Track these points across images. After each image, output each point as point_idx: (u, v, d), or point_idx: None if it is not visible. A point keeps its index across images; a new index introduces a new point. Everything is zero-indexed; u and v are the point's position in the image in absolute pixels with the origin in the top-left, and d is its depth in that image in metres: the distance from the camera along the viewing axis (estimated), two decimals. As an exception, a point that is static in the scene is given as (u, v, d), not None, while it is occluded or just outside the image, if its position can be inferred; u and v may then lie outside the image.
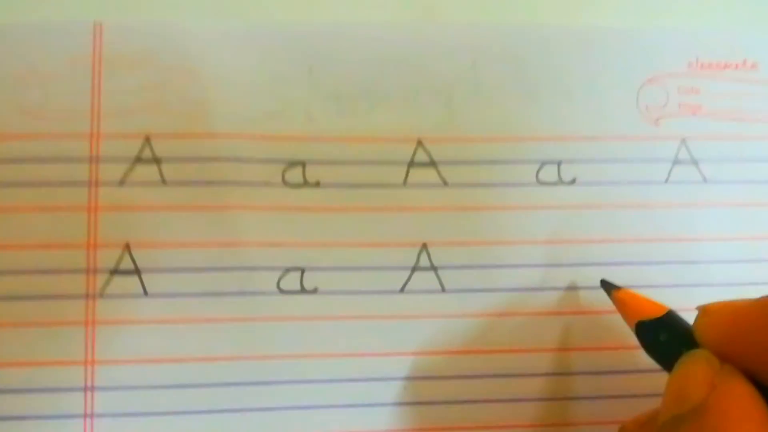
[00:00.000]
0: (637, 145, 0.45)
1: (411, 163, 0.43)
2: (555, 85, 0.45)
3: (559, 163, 0.44)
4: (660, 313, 0.38)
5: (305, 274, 0.43)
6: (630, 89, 0.45)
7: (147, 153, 0.42)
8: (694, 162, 0.45)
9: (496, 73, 0.45)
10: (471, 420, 0.43)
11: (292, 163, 0.43)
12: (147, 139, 0.42)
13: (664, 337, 0.37)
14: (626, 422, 0.40)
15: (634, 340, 0.39)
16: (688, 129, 0.45)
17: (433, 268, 0.43)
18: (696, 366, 0.32)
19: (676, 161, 0.45)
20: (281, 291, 0.42)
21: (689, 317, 0.36)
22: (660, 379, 0.35)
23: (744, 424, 0.29)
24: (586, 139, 0.44)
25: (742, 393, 0.30)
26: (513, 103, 0.45)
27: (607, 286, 0.42)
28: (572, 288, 0.43)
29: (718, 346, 0.33)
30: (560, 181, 0.44)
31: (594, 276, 0.43)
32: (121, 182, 0.42)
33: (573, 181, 0.44)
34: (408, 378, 0.43)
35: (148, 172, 0.42)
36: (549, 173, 0.44)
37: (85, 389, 0.41)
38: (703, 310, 0.34)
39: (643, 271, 0.44)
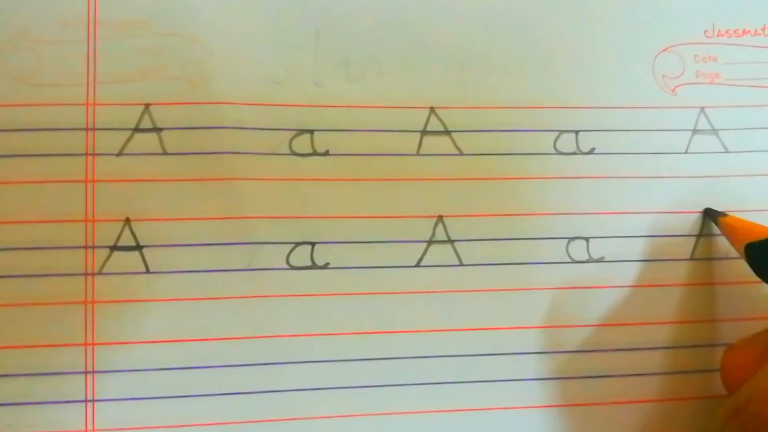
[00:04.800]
0: (655, 114, 0.45)
1: (424, 132, 0.43)
2: (569, 53, 0.45)
3: (576, 133, 0.44)
4: None
5: (316, 248, 0.42)
6: (645, 58, 0.46)
7: (146, 121, 0.42)
8: (714, 131, 0.45)
9: (509, 39, 0.45)
10: (479, 401, 0.43)
11: (300, 132, 0.43)
12: (146, 107, 0.42)
13: None
14: (734, 342, 0.41)
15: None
16: (706, 97, 0.46)
17: (450, 240, 0.43)
18: None
19: (695, 131, 0.45)
20: (291, 266, 0.42)
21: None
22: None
23: None
24: (603, 108, 0.45)
25: None
26: (527, 70, 0.45)
27: (713, 213, 0.43)
28: (598, 260, 0.43)
29: None
30: (578, 151, 0.44)
31: (616, 249, 0.44)
32: (120, 152, 0.41)
33: (591, 151, 0.44)
34: (426, 357, 0.42)
35: (147, 141, 0.42)
36: (567, 142, 0.44)
37: (85, 373, 0.40)
38: None
39: (667, 243, 0.44)
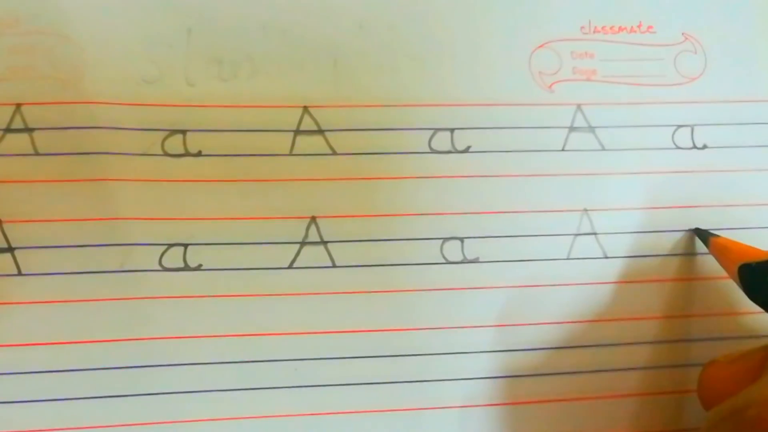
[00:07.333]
0: (531, 111, 0.46)
1: (297, 131, 0.44)
2: (444, 50, 0.46)
3: (452, 131, 0.45)
4: (766, 256, 0.39)
5: (188, 250, 0.43)
6: (521, 54, 0.46)
7: (18, 122, 0.42)
8: (591, 129, 0.46)
9: (383, 36, 0.45)
10: (353, 404, 0.44)
11: (172, 132, 0.43)
12: (17, 107, 0.42)
13: None
14: (717, 357, 0.41)
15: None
16: (583, 94, 0.46)
17: (323, 242, 0.44)
18: None
19: (572, 128, 0.46)
20: (164, 268, 0.43)
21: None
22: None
23: None
24: (479, 106, 0.45)
25: None
26: (402, 68, 0.45)
27: (703, 234, 0.44)
28: (473, 261, 0.44)
29: None
30: (454, 149, 0.45)
31: (494, 251, 0.45)
32: (-10, 153, 0.41)
33: (467, 149, 0.45)
34: (299, 359, 0.43)
35: (19, 142, 0.42)
36: (442, 141, 0.45)
37: (-46, 377, 0.40)
38: None
39: (548, 241, 0.45)
